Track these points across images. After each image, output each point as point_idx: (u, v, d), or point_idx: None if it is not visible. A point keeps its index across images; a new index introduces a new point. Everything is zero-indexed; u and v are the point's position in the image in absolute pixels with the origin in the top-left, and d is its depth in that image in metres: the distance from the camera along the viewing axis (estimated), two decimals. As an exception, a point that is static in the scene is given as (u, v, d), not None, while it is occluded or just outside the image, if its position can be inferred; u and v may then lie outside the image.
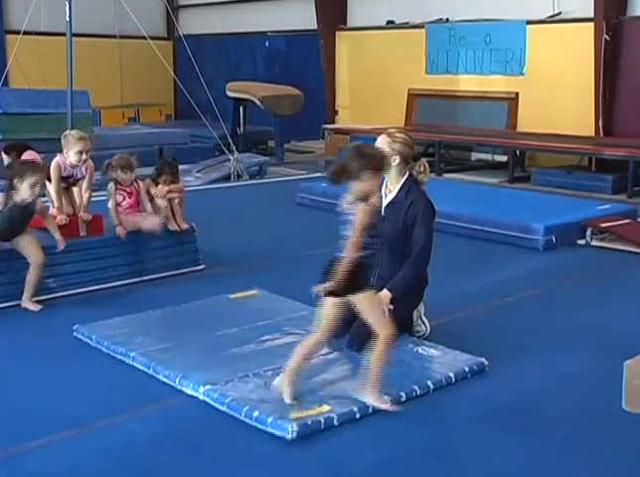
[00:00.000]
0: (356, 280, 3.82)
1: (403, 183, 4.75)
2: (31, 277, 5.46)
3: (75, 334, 4.91)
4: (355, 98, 15.66)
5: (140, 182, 6.31)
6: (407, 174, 4.78)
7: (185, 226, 6.45)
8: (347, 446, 3.56)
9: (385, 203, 4.79)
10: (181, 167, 6.83)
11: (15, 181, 5.37)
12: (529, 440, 3.61)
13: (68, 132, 6.21)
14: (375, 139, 4.83)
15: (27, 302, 5.47)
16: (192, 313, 5.25)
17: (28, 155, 6.74)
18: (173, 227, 6.39)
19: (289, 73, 16.33)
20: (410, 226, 4.66)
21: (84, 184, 6.17)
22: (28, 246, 5.48)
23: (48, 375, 4.38)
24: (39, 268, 5.47)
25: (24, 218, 5.50)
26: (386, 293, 4.61)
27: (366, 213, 3.74)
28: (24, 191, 5.36)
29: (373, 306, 3.94)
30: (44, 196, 5.83)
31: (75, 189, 6.20)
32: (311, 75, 16.05)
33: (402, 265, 4.70)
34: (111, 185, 6.19)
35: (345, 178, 3.78)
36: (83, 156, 5.98)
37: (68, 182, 6.13)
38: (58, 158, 6.02)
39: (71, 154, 5.98)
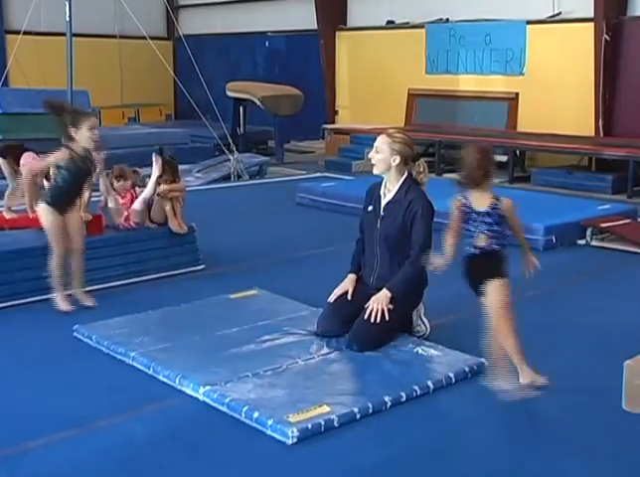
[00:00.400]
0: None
1: (402, 183, 4.76)
2: (75, 265, 5.45)
3: (75, 334, 4.91)
4: (355, 98, 15.66)
5: (138, 189, 6.36)
6: (406, 174, 4.78)
7: (185, 228, 6.43)
8: (347, 446, 3.55)
9: (383, 202, 4.79)
10: (181, 167, 6.82)
11: (71, 132, 5.24)
12: (529, 440, 3.61)
13: None
14: (374, 139, 4.84)
15: (82, 296, 5.48)
16: (192, 313, 5.25)
17: (27, 157, 6.72)
18: (175, 227, 6.38)
19: (289, 73, 16.33)
20: (410, 225, 4.66)
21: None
22: (74, 228, 5.42)
23: (48, 375, 4.38)
24: (81, 254, 5.47)
25: (87, 170, 5.37)
26: (385, 293, 4.61)
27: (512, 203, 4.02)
28: (83, 137, 5.24)
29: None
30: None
31: None
32: (311, 75, 16.05)
33: (402, 265, 4.70)
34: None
35: (481, 180, 3.98)
36: None
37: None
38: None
39: None
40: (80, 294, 5.51)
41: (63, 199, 5.36)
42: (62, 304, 5.36)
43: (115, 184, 6.29)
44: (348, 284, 4.86)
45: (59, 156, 5.30)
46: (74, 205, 5.45)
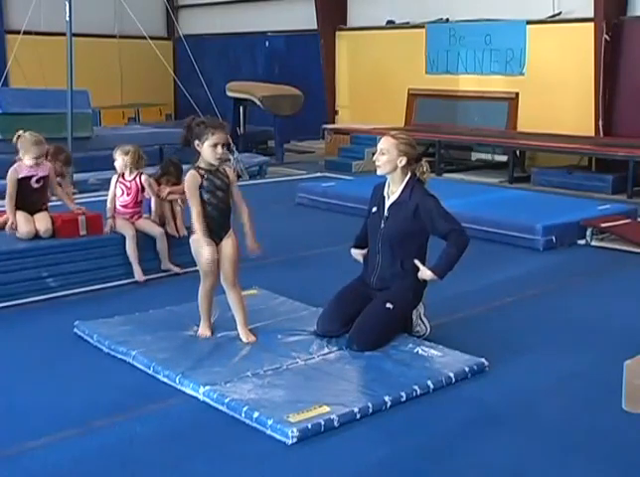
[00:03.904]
0: None
1: (407, 183, 4.76)
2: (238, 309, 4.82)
3: (75, 330, 4.92)
4: (355, 98, 15.66)
5: (144, 176, 6.24)
6: (410, 175, 4.79)
7: (183, 232, 6.32)
8: (347, 446, 3.55)
9: (387, 203, 4.79)
10: (180, 167, 6.81)
11: (196, 145, 4.55)
12: (528, 440, 3.61)
13: (22, 134, 6.06)
14: (378, 140, 4.85)
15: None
16: (192, 313, 5.24)
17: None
18: (172, 231, 6.36)
19: (289, 73, 16.32)
20: (430, 224, 4.68)
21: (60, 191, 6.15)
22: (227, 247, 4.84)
23: (48, 374, 4.37)
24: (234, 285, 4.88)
25: (224, 190, 4.64)
26: (430, 273, 4.67)
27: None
28: (206, 154, 4.52)
29: None
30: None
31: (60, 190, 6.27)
32: (311, 75, 16.05)
33: (403, 266, 4.72)
34: (115, 177, 6.23)
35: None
36: (39, 161, 5.94)
37: (34, 183, 6.00)
38: (15, 165, 5.95)
39: (26, 159, 5.94)
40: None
41: (213, 225, 4.77)
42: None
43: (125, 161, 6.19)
44: (358, 256, 4.98)
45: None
46: (228, 225, 4.90)
